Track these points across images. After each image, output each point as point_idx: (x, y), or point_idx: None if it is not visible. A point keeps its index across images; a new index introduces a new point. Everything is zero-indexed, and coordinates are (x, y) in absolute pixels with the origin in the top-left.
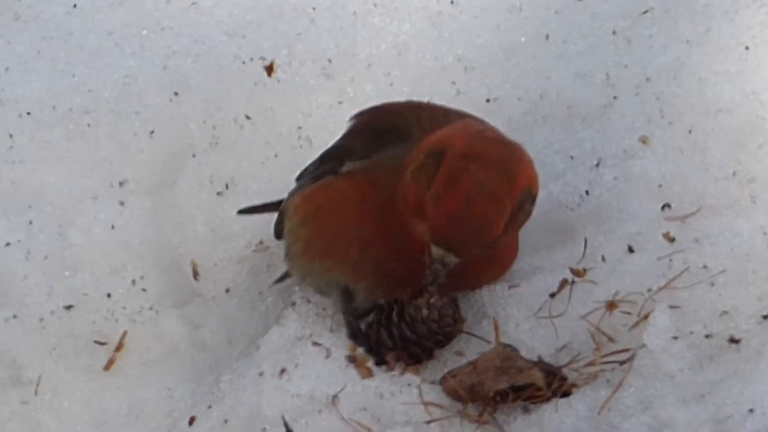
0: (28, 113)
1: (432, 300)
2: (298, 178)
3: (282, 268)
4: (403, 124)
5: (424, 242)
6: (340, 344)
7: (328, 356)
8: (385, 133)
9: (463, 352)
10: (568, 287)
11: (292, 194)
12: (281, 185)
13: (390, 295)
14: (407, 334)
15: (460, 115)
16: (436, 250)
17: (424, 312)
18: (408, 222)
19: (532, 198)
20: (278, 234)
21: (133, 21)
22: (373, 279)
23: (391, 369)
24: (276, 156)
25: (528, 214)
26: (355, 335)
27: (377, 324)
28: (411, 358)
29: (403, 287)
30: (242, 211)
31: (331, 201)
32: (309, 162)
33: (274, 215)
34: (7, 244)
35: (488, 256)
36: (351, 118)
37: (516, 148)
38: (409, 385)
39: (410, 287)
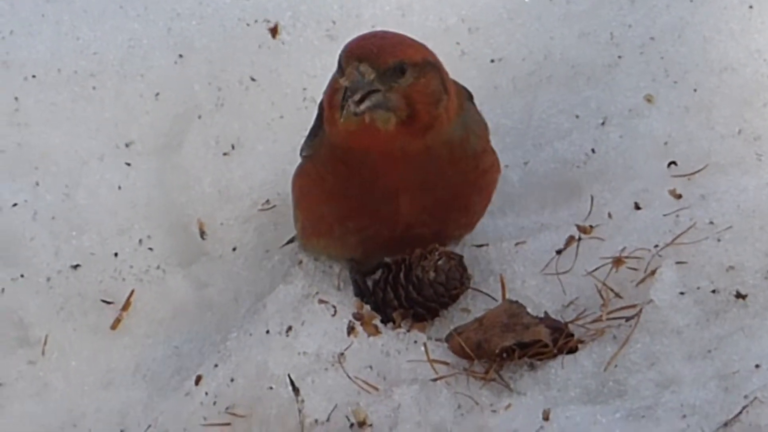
0: (33, 76)
1: (440, 262)
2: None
3: (291, 231)
4: None
5: (390, 187)
6: (347, 302)
7: (334, 314)
8: None
9: (470, 309)
10: (574, 244)
11: None
12: (287, 146)
13: (387, 256)
14: (413, 296)
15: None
16: (349, 70)
17: (431, 274)
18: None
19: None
20: None
21: None
22: (361, 249)
23: (397, 327)
24: (281, 117)
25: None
26: (362, 293)
27: (384, 282)
28: (416, 318)
29: (391, 246)
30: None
31: (305, 185)
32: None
33: (280, 176)
34: (14, 205)
35: (469, 179)
36: None
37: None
38: (415, 342)
39: (396, 245)
